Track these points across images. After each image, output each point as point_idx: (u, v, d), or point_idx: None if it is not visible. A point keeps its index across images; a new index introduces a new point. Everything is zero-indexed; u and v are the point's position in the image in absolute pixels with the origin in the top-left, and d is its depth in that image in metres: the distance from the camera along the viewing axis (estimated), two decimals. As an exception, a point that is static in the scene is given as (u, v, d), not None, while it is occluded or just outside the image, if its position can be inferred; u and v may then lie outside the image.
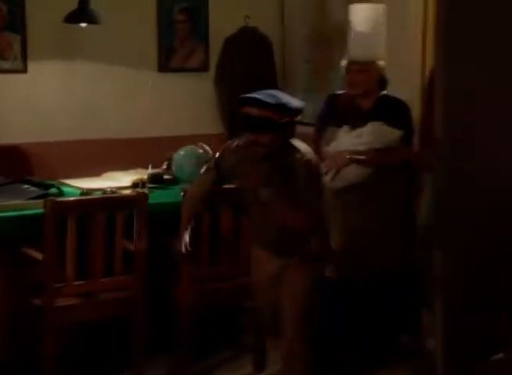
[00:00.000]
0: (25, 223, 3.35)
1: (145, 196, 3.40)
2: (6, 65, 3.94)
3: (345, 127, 3.41)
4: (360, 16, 3.43)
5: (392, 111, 3.37)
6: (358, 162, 3.34)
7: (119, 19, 3.81)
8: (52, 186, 3.69)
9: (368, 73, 3.35)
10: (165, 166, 4.11)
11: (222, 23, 4.35)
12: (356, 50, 3.37)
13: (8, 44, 3.95)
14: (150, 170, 4.02)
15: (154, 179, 3.96)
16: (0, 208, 3.39)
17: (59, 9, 3.59)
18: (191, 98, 4.09)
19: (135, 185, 3.79)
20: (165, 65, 4.39)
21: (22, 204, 3.41)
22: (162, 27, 4.47)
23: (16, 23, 3.97)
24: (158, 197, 3.65)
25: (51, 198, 3.27)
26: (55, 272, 3.15)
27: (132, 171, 3.97)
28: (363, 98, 3.39)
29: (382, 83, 3.40)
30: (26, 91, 3.76)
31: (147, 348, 3.33)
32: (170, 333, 3.35)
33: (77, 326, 3.32)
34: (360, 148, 3.36)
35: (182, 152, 4.09)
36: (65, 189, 3.67)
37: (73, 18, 3.77)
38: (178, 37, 4.35)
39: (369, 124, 3.37)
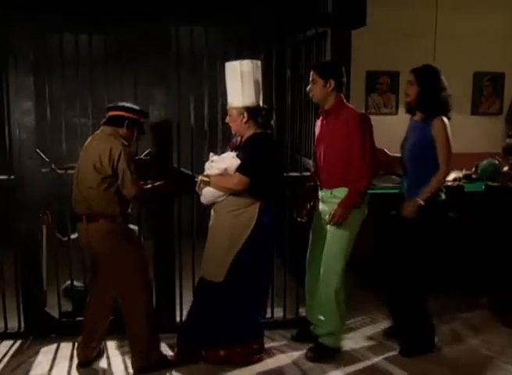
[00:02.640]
0: (387, 197, 4.29)
1: (462, 187, 4.68)
2: (387, 110, 5.54)
3: (210, 154, 3.65)
4: (228, 71, 3.56)
5: (245, 145, 3.51)
6: (205, 183, 3.52)
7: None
8: None
9: (231, 117, 3.56)
10: (473, 169, 5.08)
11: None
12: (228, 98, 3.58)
13: (389, 100, 5.57)
14: (464, 171, 5.04)
15: (466, 177, 5.02)
16: (382, 188, 4.66)
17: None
18: (489, 130, 4.84)
19: (455, 179, 4.82)
20: (475, 111, 5.66)
21: (391, 186, 4.64)
22: (475, 89, 5.81)
23: (394, 87, 5.54)
24: (468, 188, 4.78)
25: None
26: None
27: (455, 171, 4.83)
28: (239, 135, 3.61)
29: (258, 123, 3.51)
30: (395, 125, 4.67)
31: None
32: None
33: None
34: (208, 172, 3.54)
35: (485, 162, 5.05)
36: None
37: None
38: (484, 94, 5.64)
39: (225, 154, 3.59)
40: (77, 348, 3.69)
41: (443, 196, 3.73)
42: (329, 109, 3.66)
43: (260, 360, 3.73)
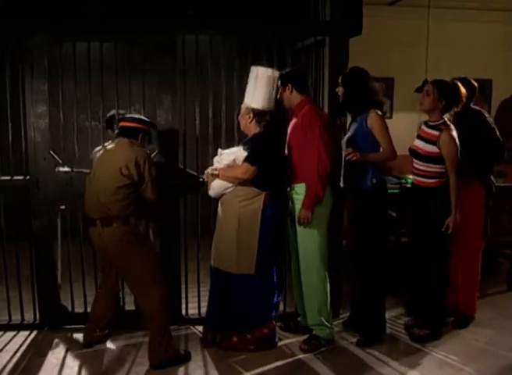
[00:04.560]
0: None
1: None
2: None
3: (219, 149, 3.79)
4: (250, 73, 3.70)
5: (248, 141, 3.67)
6: (214, 176, 3.64)
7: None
8: (401, 178, 4.98)
9: (241, 113, 3.72)
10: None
11: None
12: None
13: (384, 104, 5.61)
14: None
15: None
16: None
17: (412, 86, 4.73)
18: None
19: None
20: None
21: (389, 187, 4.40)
22: None
23: (389, 92, 5.51)
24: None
25: (403, 185, 4.74)
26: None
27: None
28: (244, 131, 3.76)
29: (262, 125, 3.64)
30: (390, 129, 4.42)
31: None
32: None
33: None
34: (217, 164, 3.66)
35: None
36: (408, 180, 4.75)
37: (418, 89, 4.67)
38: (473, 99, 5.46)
39: (232, 148, 3.76)
40: (83, 332, 3.82)
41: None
42: (293, 110, 3.80)
43: (272, 346, 3.80)
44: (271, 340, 3.81)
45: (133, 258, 3.46)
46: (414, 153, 3.89)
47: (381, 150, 3.73)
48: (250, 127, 3.68)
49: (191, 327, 4.15)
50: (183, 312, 4.22)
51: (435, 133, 3.74)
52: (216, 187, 3.65)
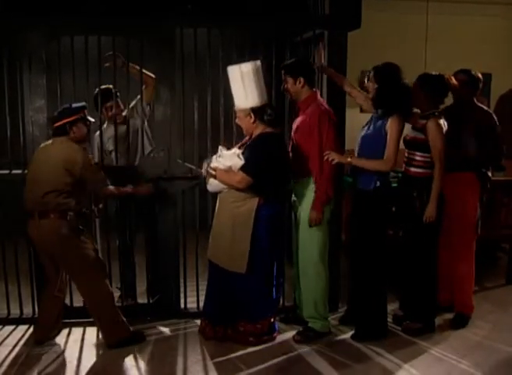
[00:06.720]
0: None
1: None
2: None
3: (219, 147, 3.66)
4: (230, 75, 3.53)
5: (251, 145, 3.56)
6: (211, 176, 3.58)
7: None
8: (399, 172, 4.42)
9: (240, 118, 3.60)
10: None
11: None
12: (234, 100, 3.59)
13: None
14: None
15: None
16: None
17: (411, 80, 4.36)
18: None
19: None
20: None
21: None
22: None
23: None
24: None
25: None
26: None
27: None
28: (249, 134, 3.64)
29: (266, 121, 3.51)
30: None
31: None
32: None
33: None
34: (216, 164, 3.55)
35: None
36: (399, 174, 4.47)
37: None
38: None
39: (232, 150, 3.62)
40: (34, 329, 3.81)
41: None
42: (300, 104, 3.73)
43: (271, 340, 3.78)
44: (269, 334, 3.79)
45: (71, 250, 3.48)
46: (404, 141, 3.89)
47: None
48: (255, 127, 3.57)
49: (190, 321, 4.12)
50: (182, 305, 4.21)
51: (424, 121, 3.76)
52: (214, 184, 3.63)
